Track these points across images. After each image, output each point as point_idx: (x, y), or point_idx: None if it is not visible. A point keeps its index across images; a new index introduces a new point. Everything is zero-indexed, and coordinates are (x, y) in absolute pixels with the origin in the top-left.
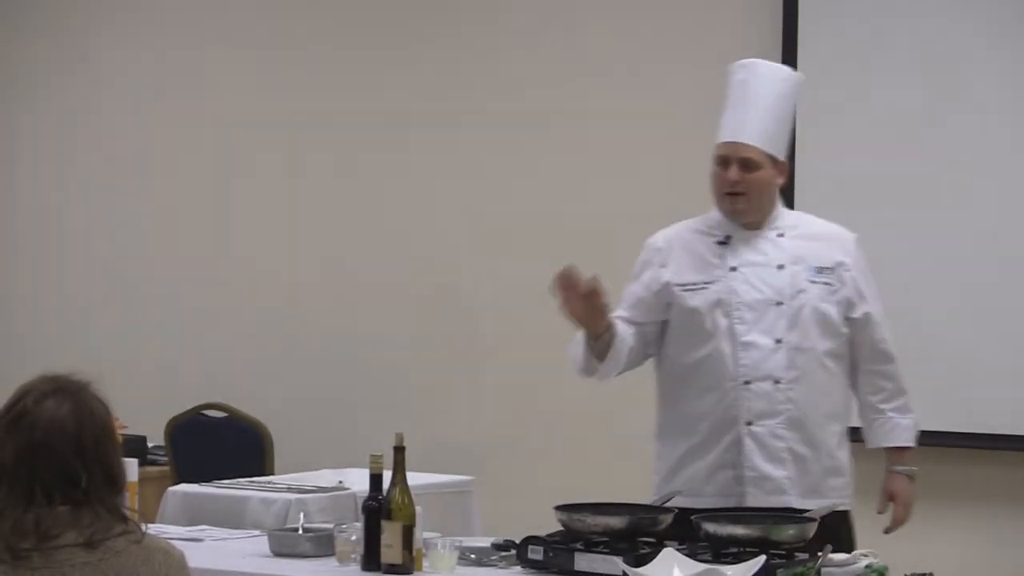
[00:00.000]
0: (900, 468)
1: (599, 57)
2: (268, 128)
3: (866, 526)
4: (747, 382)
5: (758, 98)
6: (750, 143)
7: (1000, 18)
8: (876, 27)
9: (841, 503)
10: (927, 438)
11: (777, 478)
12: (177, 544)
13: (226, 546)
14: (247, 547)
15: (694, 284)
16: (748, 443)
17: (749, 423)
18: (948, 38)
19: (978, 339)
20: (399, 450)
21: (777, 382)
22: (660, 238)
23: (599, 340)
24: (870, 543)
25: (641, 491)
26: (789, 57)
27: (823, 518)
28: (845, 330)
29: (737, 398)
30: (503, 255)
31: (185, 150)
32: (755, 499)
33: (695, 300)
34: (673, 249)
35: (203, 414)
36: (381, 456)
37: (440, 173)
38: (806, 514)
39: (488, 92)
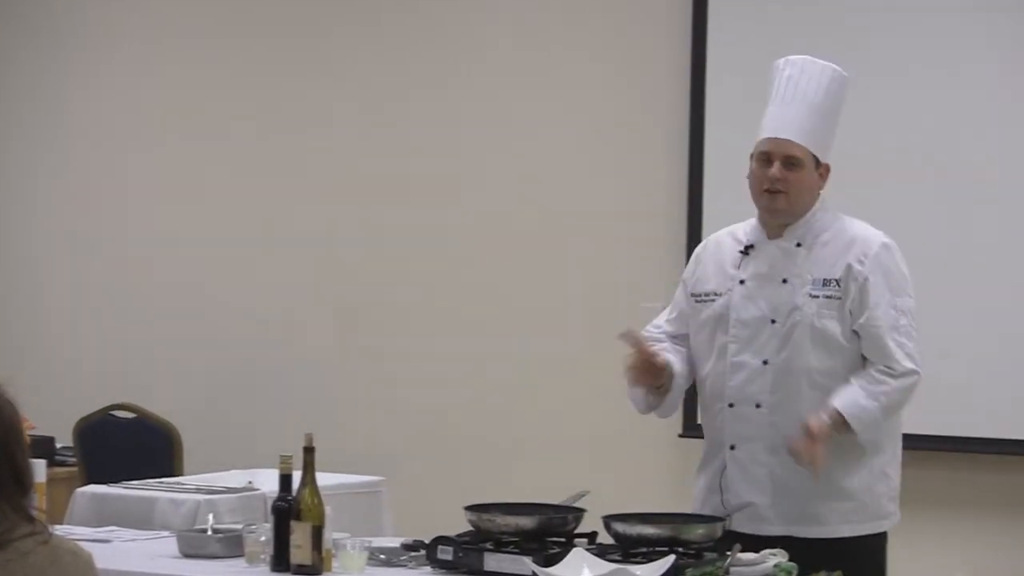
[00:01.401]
0: (825, 414)
1: (509, 68)
2: (181, 133)
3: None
4: (731, 404)
5: (805, 96)
6: (795, 140)
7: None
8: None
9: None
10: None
11: (758, 505)
12: (85, 545)
13: (135, 547)
14: (156, 548)
15: (706, 295)
16: (731, 468)
17: (732, 447)
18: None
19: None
20: (309, 451)
21: (758, 406)
22: (705, 243)
23: (660, 388)
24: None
25: (550, 491)
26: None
27: (836, 547)
28: (850, 345)
29: (724, 420)
30: (414, 259)
31: (99, 149)
32: (740, 525)
33: (703, 313)
34: (707, 256)
35: (112, 415)
36: (290, 457)
37: (350, 181)
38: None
39: (393, 101)
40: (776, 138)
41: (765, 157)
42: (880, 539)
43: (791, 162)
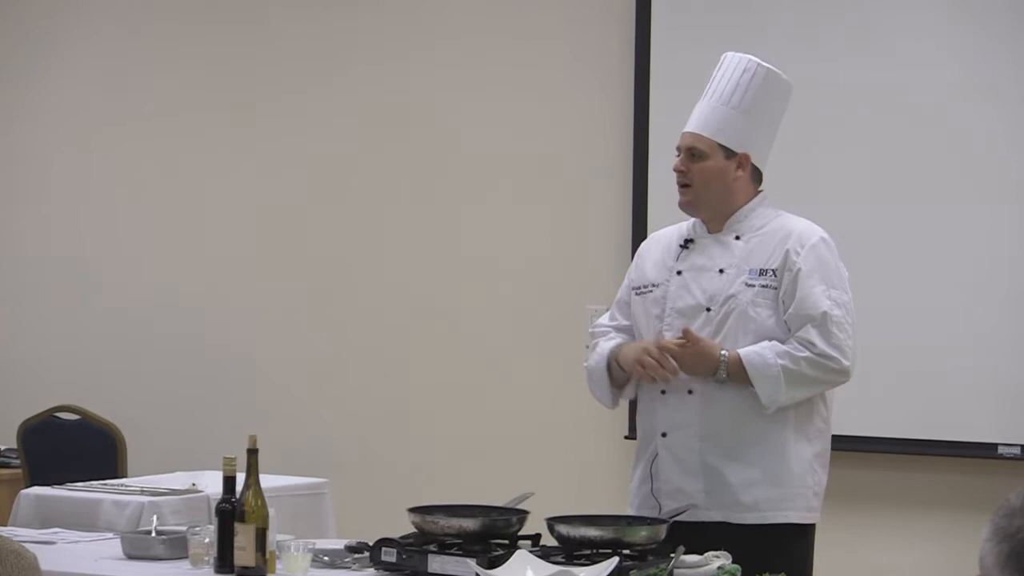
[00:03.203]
0: (723, 352)
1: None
2: (125, 134)
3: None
4: (664, 392)
5: (716, 90)
6: (698, 132)
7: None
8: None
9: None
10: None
11: (691, 491)
12: (30, 547)
13: (79, 549)
14: (100, 550)
15: (644, 287)
16: (663, 455)
17: (664, 434)
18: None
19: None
20: (252, 452)
21: (690, 392)
22: (649, 238)
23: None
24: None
25: (494, 493)
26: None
27: (772, 532)
28: (782, 336)
29: (656, 408)
30: (357, 261)
31: (39, 150)
32: (667, 512)
33: (641, 304)
34: (649, 250)
35: (56, 416)
36: (234, 458)
37: (291, 185)
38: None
39: (333, 103)
40: (684, 131)
41: (678, 151)
42: (810, 530)
43: (692, 154)
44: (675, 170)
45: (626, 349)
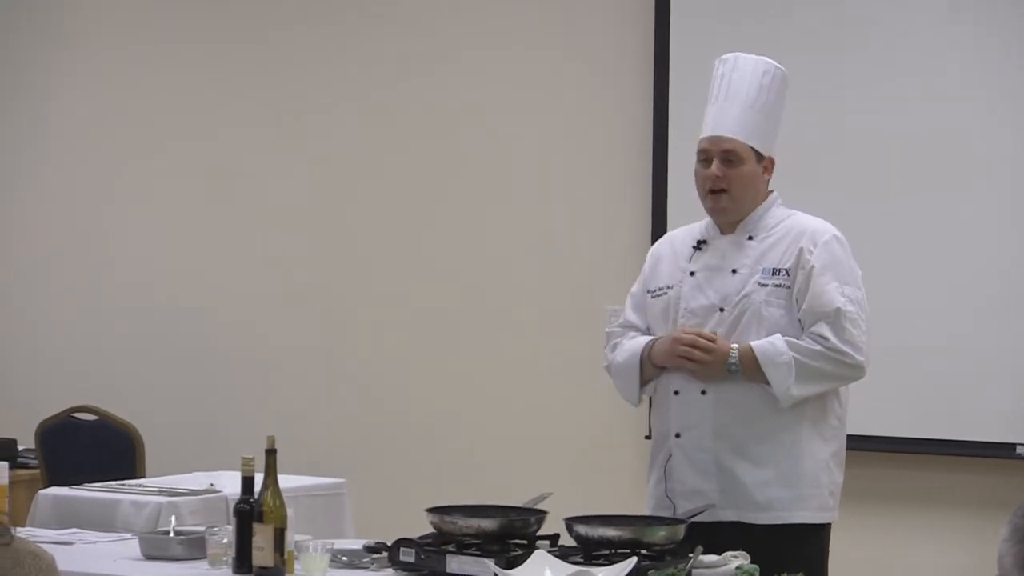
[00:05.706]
0: (734, 345)
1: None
2: (140, 134)
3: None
4: (677, 392)
5: (739, 92)
6: (732, 136)
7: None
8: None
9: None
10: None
11: (706, 491)
12: (48, 547)
13: (97, 549)
14: (118, 550)
15: (659, 289)
16: (677, 455)
17: (678, 435)
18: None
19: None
20: (270, 452)
21: (704, 392)
22: (660, 241)
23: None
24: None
25: (513, 493)
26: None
27: (786, 532)
28: (795, 333)
29: (669, 409)
30: (372, 260)
31: (56, 151)
32: (686, 513)
33: (656, 306)
34: (662, 253)
35: (74, 417)
36: (252, 459)
37: (309, 183)
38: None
39: (357, 101)
40: (713, 136)
41: (704, 156)
42: (825, 530)
43: (729, 158)
44: (710, 177)
45: (658, 344)
